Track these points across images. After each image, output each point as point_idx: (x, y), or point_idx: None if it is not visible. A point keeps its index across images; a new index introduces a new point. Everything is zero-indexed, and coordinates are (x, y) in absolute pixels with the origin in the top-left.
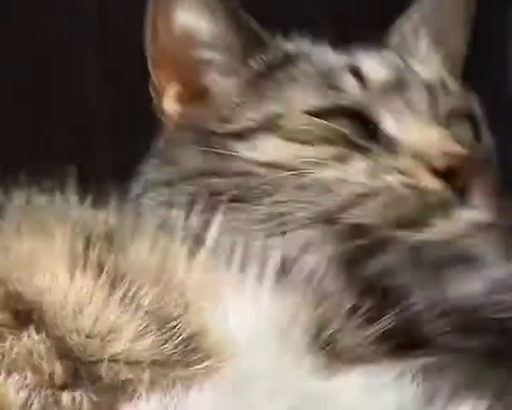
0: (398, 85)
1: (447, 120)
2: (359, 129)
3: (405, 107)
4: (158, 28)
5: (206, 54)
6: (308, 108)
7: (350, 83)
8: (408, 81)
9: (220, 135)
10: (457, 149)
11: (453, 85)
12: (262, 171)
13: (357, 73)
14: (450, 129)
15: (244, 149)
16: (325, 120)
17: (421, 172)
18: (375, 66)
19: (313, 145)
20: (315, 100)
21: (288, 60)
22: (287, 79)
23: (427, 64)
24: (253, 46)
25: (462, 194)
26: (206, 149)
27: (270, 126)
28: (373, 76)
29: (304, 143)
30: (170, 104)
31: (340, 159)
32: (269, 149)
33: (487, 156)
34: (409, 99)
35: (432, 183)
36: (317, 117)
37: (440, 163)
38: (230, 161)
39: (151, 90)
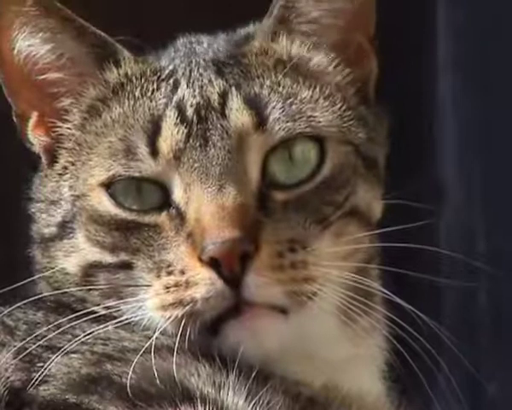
0: (196, 139)
1: (264, 159)
2: (158, 194)
3: (196, 172)
4: (2, 56)
5: (53, 75)
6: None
7: (143, 153)
8: (211, 132)
9: None
10: (226, 235)
11: (286, 117)
12: None
13: (154, 136)
14: (268, 165)
15: None
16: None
17: (191, 263)
18: (173, 124)
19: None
20: (106, 170)
21: (105, 98)
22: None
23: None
24: (104, 57)
25: (234, 281)
26: None
27: None
28: (167, 145)
29: None
30: (33, 132)
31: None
32: None
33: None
34: (204, 158)
35: (199, 273)
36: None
37: (204, 255)
38: None
39: (15, 120)
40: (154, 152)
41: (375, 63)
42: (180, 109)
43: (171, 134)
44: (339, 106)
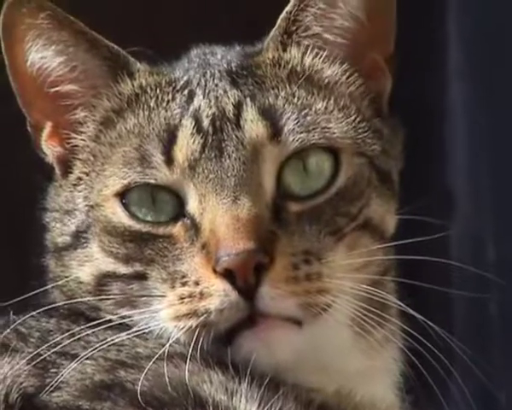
0: (211, 150)
1: (279, 170)
2: (172, 203)
3: (211, 183)
4: (16, 67)
5: (66, 87)
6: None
7: (158, 161)
8: (225, 143)
9: None
10: (240, 246)
11: (300, 127)
12: None
13: (169, 145)
14: (282, 176)
15: None
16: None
17: (206, 274)
18: (189, 134)
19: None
20: (120, 179)
21: (120, 110)
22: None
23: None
24: (118, 70)
25: (249, 292)
26: None
27: None
28: (183, 154)
29: None
30: (47, 143)
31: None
32: None
33: (336, 202)
34: (219, 169)
35: (213, 285)
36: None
37: (219, 266)
38: None
39: (29, 130)
40: (169, 161)
41: (390, 81)
42: (196, 119)
43: (186, 143)
44: (353, 117)
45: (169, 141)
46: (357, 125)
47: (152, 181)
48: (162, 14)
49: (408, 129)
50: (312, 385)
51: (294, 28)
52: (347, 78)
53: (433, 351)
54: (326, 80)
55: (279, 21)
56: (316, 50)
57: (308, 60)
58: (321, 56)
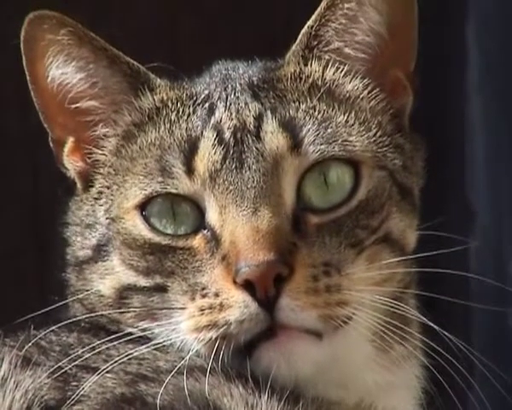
0: (232, 161)
1: (299, 182)
2: (192, 214)
3: (231, 194)
4: (37, 83)
5: (86, 103)
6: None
7: (179, 171)
8: (246, 155)
9: None
10: (260, 258)
11: (320, 139)
12: None
13: (190, 155)
14: (303, 189)
15: None
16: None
17: (226, 286)
18: (211, 145)
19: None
20: (141, 189)
21: (140, 123)
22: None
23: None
24: (138, 85)
25: (269, 304)
26: None
27: None
28: (204, 164)
29: None
30: (69, 158)
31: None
32: None
33: (352, 215)
34: (240, 180)
35: (233, 296)
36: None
37: (239, 277)
38: None
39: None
40: (190, 171)
41: (411, 98)
42: (218, 131)
43: (208, 154)
44: (374, 131)
45: (190, 151)
46: (377, 139)
47: (173, 190)
48: (181, 31)
49: (428, 143)
50: (333, 398)
51: (316, 43)
52: (368, 92)
53: (453, 363)
54: (347, 94)
55: (300, 36)
56: (337, 65)
57: (329, 74)
58: (342, 71)
